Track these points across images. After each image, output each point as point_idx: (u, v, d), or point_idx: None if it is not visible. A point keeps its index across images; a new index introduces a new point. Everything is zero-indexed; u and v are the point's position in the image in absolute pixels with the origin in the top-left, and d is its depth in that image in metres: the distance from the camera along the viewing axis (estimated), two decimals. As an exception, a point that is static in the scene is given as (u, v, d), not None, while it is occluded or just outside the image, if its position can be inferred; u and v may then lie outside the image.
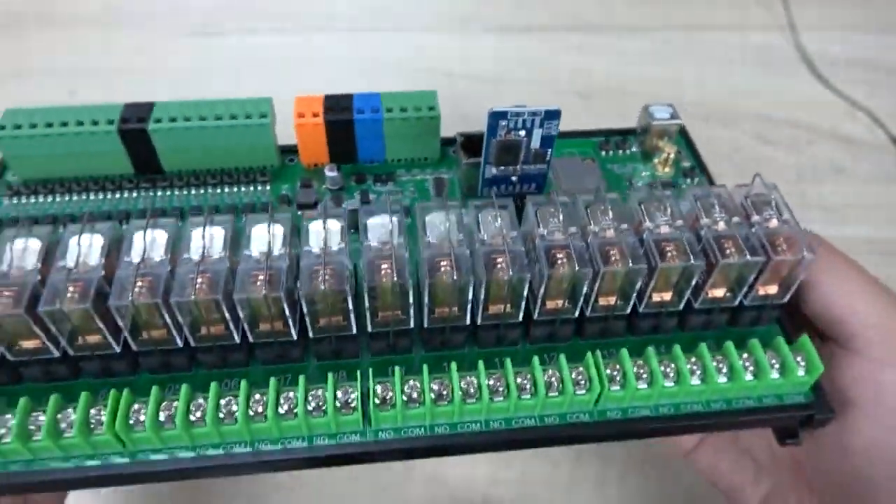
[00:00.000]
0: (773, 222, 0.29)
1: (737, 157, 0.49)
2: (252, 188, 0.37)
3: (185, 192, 0.37)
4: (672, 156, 0.38)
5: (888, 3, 0.58)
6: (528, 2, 0.53)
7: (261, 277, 0.27)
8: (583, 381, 0.28)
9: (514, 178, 0.34)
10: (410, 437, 0.28)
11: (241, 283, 0.26)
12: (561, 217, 0.29)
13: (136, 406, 0.27)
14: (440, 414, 0.27)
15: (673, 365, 0.28)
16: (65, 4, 0.49)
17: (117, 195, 0.37)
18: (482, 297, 0.27)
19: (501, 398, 0.27)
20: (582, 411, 0.28)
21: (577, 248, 0.28)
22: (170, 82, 0.44)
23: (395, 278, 0.26)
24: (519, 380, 0.27)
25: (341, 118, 0.36)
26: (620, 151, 0.40)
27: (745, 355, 0.29)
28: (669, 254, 0.28)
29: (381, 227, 0.28)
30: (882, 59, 0.57)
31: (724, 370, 0.28)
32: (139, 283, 0.26)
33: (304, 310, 0.27)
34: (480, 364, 0.28)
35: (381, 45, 0.49)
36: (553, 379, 0.27)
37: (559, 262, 0.27)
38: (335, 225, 0.29)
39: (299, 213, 0.34)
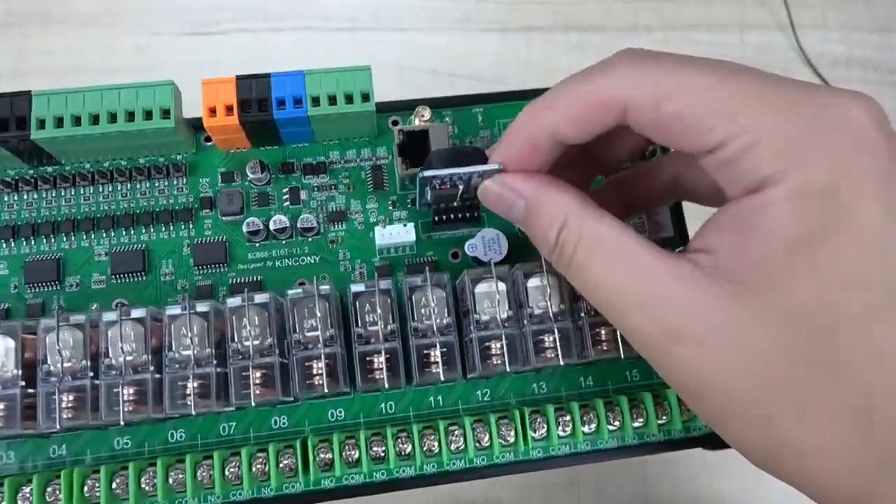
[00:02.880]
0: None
1: None
2: (167, 184, 0.33)
3: (90, 193, 0.33)
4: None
5: (888, 3, 0.56)
6: (528, 2, 0.48)
7: (190, 386, 0.26)
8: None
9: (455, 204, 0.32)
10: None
11: (171, 396, 0.26)
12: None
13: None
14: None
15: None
16: (65, 4, 0.47)
17: (14, 197, 0.32)
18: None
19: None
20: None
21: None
22: None
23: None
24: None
25: (259, 119, 0.31)
26: (578, 123, 0.36)
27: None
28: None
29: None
30: (882, 59, 0.55)
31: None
32: (65, 401, 0.25)
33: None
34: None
35: (380, 44, 0.47)
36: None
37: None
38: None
39: (224, 219, 0.32)
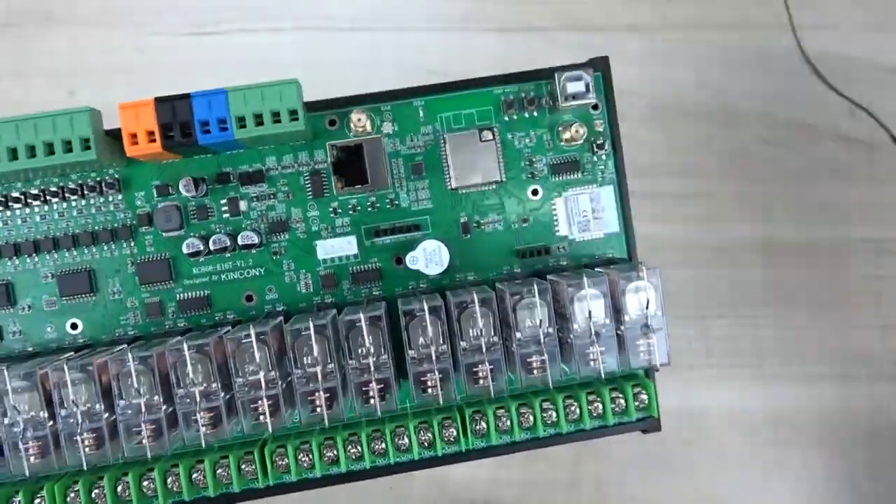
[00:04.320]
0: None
1: (737, 158, 0.47)
2: (103, 200, 0.33)
3: (26, 215, 0.32)
4: (581, 132, 0.33)
5: (888, 3, 0.56)
6: (528, 2, 0.48)
7: (147, 430, 0.28)
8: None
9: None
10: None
11: (126, 437, 0.28)
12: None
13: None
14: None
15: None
16: (65, 4, 0.47)
17: (-50, 223, 0.32)
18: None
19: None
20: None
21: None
22: (169, 82, 0.42)
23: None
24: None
25: (184, 144, 0.30)
26: (526, 114, 0.34)
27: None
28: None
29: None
30: (882, 59, 0.55)
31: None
32: (28, 449, 0.27)
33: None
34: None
35: (380, 44, 0.47)
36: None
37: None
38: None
39: (164, 235, 0.32)
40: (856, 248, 0.50)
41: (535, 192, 0.34)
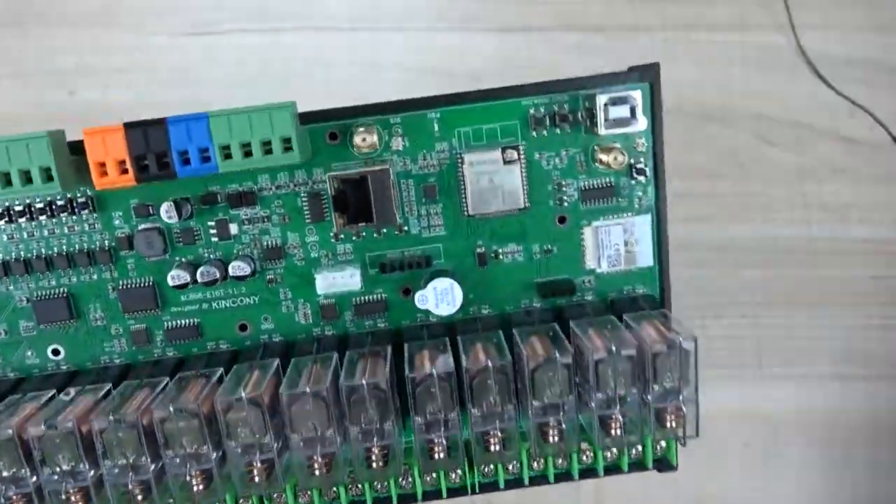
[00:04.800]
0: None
1: (737, 157, 0.45)
2: (76, 220, 0.29)
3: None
4: (620, 159, 0.29)
5: (888, 3, 0.55)
6: (528, 2, 0.47)
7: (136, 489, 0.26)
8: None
9: None
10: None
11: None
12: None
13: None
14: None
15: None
16: (64, 4, 0.47)
17: None
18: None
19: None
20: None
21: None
22: (169, 81, 0.45)
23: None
24: None
25: (161, 176, 0.26)
26: (558, 130, 0.29)
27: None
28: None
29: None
30: (882, 59, 0.54)
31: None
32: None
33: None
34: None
35: (380, 45, 0.47)
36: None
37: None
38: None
39: (147, 259, 0.29)
40: (856, 248, 0.49)
41: (561, 220, 0.30)
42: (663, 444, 0.31)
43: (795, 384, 0.47)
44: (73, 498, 0.26)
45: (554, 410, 0.27)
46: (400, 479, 0.30)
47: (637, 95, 0.27)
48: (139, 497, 0.26)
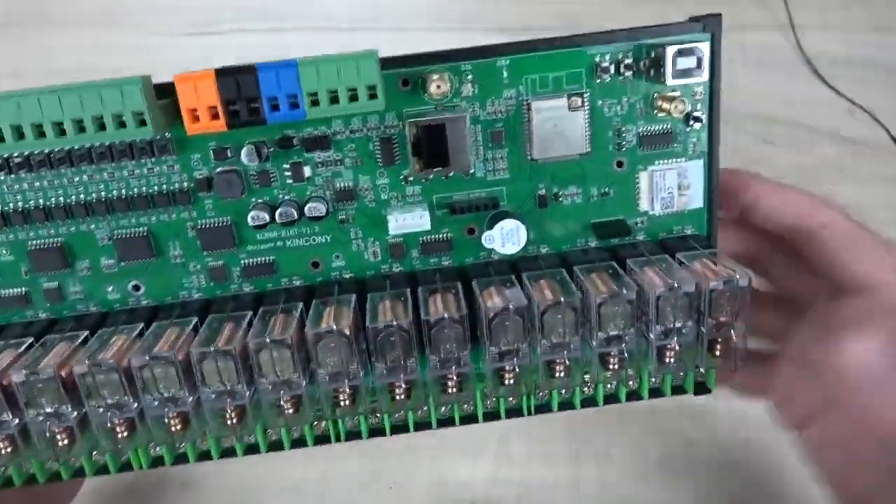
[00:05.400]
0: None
1: (737, 158, 0.42)
2: (155, 162, 0.30)
3: (73, 175, 0.30)
4: (682, 108, 0.30)
5: (888, 3, 0.56)
6: (529, 2, 0.48)
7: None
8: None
9: None
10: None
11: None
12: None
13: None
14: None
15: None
16: (64, 4, 0.47)
17: (-8, 182, 0.30)
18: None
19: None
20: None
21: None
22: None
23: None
24: None
25: (251, 122, 0.27)
26: (621, 78, 0.30)
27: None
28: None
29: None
30: (882, 59, 0.56)
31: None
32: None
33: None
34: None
35: (381, 45, 0.39)
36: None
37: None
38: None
39: (224, 200, 0.30)
40: None
41: (619, 164, 0.32)
42: (703, 371, 0.34)
43: None
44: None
45: (617, 342, 0.29)
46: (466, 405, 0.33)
47: (704, 47, 0.28)
48: (234, 419, 0.29)
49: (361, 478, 0.45)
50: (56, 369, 0.28)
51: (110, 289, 0.32)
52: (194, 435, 0.29)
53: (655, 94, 0.31)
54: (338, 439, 0.34)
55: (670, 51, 0.28)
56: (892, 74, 0.57)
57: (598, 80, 0.30)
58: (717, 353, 0.30)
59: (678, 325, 0.29)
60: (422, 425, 0.34)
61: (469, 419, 0.34)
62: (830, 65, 0.56)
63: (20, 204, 0.30)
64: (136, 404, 0.28)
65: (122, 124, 0.26)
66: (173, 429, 0.29)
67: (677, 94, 0.30)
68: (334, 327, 0.28)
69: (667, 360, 0.30)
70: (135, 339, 0.30)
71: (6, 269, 0.31)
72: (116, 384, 0.28)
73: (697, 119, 0.31)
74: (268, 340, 0.28)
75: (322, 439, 0.34)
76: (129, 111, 0.26)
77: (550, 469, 0.44)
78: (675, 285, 0.28)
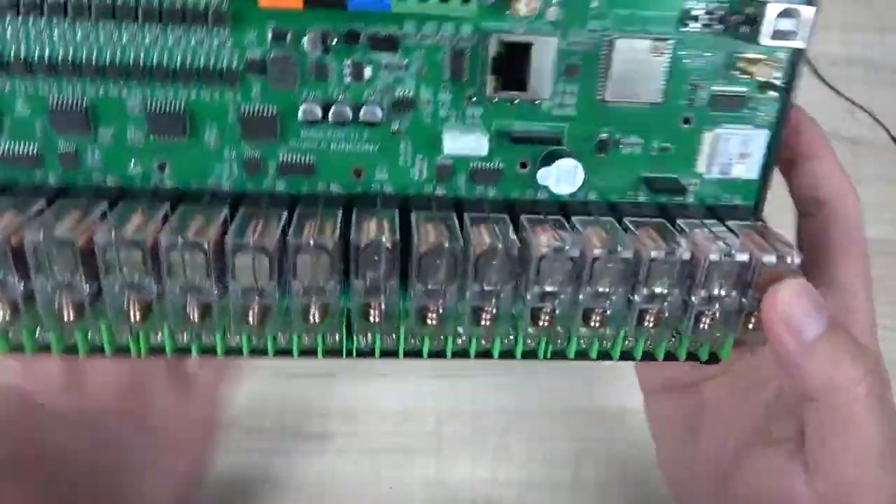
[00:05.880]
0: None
1: None
2: (206, 35, 0.27)
3: (112, 32, 0.27)
4: (767, 72, 0.29)
5: (888, 3, 0.56)
6: None
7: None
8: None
9: None
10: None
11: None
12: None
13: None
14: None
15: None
16: None
17: (19, 25, 0.27)
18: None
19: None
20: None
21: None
22: None
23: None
24: None
25: (331, 4, 0.24)
26: (710, 31, 0.29)
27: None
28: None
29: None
30: (882, 59, 0.55)
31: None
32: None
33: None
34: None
35: None
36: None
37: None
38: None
39: (275, 87, 0.28)
40: None
41: (686, 121, 0.31)
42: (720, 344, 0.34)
43: None
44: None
45: (660, 300, 0.29)
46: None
47: (808, 12, 0.27)
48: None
49: (361, 478, 0.45)
50: (76, 234, 0.25)
51: (133, 163, 0.29)
52: (210, 329, 0.28)
53: (739, 54, 0.29)
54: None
55: (773, 9, 0.27)
56: (892, 74, 0.57)
57: (686, 29, 0.29)
58: (751, 325, 0.30)
59: (723, 293, 0.29)
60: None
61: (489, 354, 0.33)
62: (830, 65, 0.56)
63: (46, 52, 0.27)
64: (155, 286, 0.26)
65: (188, -22, 0.24)
66: (191, 318, 0.27)
67: (763, 56, 0.29)
68: (382, 239, 0.26)
69: (702, 325, 0.30)
70: (160, 220, 0.27)
71: (21, 123, 0.28)
72: (139, 263, 0.26)
73: (775, 88, 0.30)
74: (311, 243, 0.26)
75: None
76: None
77: (550, 469, 0.44)
78: (731, 252, 0.28)
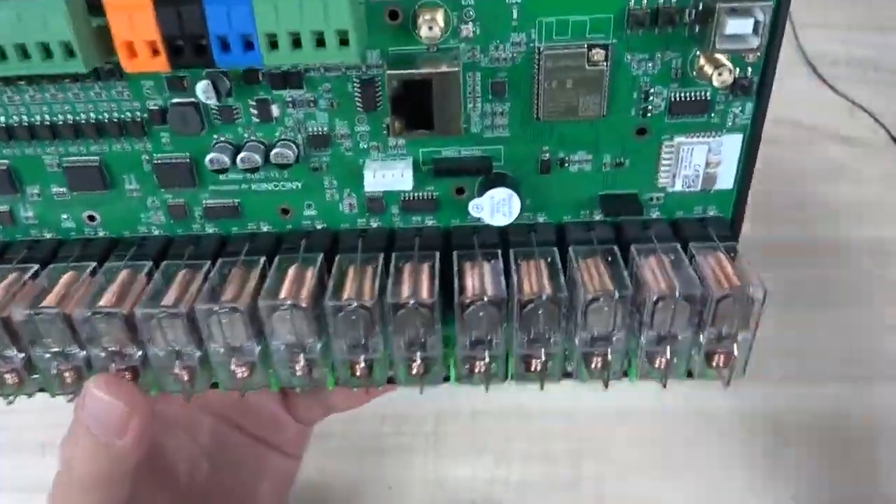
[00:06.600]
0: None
1: None
2: (102, 87, 0.26)
3: (13, 94, 0.26)
4: (727, 77, 0.24)
5: (888, 3, 0.57)
6: None
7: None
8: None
9: None
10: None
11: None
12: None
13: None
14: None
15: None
16: None
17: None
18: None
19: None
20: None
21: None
22: None
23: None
24: None
25: (197, 64, 0.22)
26: (657, 31, 0.25)
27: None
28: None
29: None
30: (882, 59, 0.56)
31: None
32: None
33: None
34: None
35: None
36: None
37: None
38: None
39: (181, 135, 0.27)
40: (856, 248, 0.49)
41: (641, 132, 0.27)
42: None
43: (795, 384, 0.46)
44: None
45: (602, 343, 0.26)
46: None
47: (765, 9, 0.22)
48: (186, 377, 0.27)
49: (361, 478, 0.45)
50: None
51: (65, 216, 0.29)
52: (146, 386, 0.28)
53: (697, 54, 0.25)
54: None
55: (721, 7, 0.22)
56: (892, 74, 0.57)
57: (629, 31, 0.25)
58: (716, 363, 0.27)
59: (674, 332, 0.26)
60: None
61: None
62: (830, 65, 0.57)
63: (-41, 119, 0.27)
64: (82, 353, 0.27)
65: (49, 53, 0.22)
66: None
67: (725, 60, 0.24)
68: (289, 301, 0.25)
69: (656, 364, 0.27)
70: (86, 278, 0.28)
71: (-49, 187, 0.29)
72: (62, 332, 0.26)
73: (744, 88, 0.26)
74: (216, 309, 0.25)
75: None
76: (54, 39, 0.22)
77: (550, 469, 0.44)
78: (678, 292, 0.25)
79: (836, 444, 0.45)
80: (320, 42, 0.22)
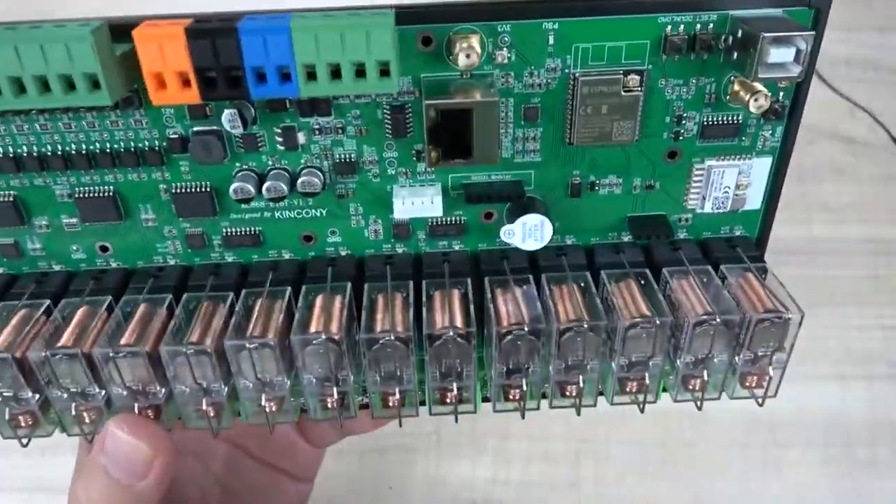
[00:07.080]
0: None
1: None
2: (119, 115, 0.25)
3: (22, 123, 0.25)
4: (763, 104, 0.24)
5: (888, 3, 0.56)
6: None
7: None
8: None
9: None
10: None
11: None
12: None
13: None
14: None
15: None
16: (65, 5, 0.42)
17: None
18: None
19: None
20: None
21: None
22: None
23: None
24: None
25: (232, 97, 0.21)
26: (693, 56, 0.24)
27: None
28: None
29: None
30: (882, 59, 0.56)
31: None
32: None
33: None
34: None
35: None
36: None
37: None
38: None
39: (203, 164, 0.26)
40: (856, 248, 0.49)
41: (672, 155, 0.27)
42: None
43: (795, 384, 0.45)
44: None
45: (639, 367, 0.26)
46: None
47: (806, 39, 0.22)
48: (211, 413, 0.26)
49: (361, 478, 0.45)
50: (11, 350, 0.25)
51: (75, 248, 0.28)
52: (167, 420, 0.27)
53: (732, 78, 0.25)
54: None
55: (764, 38, 0.22)
56: (892, 74, 0.57)
57: (665, 56, 0.24)
58: (750, 384, 0.27)
59: (711, 354, 0.26)
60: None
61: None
62: (830, 65, 0.56)
63: (-38, 149, 0.25)
64: (102, 392, 0.26)
65: (72, 86, 0.21)
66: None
67: (762, 88, 0.24)
68: (323, 336, 0.24)
69: (691, 387, 0.27)
70: (102, 313, 0.26)
71: (-47, 220, 0.27)
72: (82, 372, 0.25)
73: (776, 112, 0.26)
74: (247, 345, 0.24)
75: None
76: (78, 72, 0.21)
77: (550, 469, 0.44)
78: (717, 314, 0.25)
79: (837, 444, 0.46)
80: (360, 73, 0.21)
